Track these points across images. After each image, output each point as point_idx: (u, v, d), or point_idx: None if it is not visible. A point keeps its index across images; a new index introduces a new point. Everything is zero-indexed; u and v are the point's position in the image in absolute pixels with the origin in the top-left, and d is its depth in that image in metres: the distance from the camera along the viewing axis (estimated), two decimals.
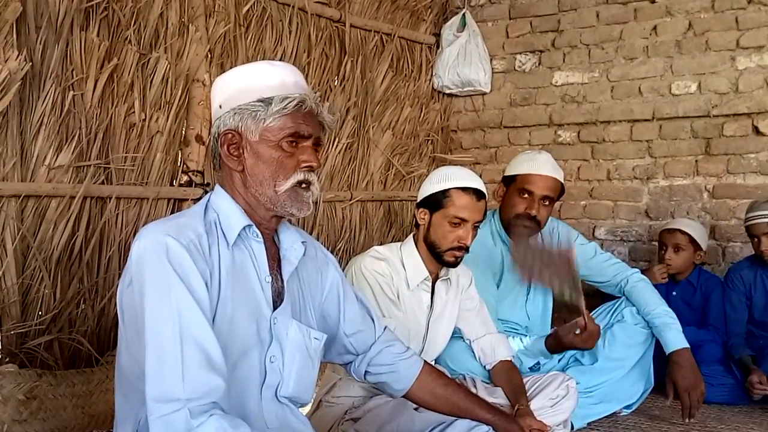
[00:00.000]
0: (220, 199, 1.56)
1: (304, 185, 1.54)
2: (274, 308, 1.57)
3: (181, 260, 1.38)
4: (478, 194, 2.34)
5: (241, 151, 1.53)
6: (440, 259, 2.38)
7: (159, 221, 1.51)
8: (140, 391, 1.34)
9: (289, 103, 1.50)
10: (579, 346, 2.62)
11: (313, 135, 1.55)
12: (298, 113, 1.51)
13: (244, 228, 1.53)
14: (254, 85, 1.52)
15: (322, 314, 1.75)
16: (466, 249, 2.36)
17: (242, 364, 1.50)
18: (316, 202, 3.31)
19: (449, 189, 2.35)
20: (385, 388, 1.87)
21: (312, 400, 1.72)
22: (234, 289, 1.49)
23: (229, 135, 1.53)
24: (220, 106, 1.55)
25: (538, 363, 2.80)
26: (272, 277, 1.58)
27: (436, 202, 2.37)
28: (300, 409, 1.67)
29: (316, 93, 1.61)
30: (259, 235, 1.56)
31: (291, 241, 1.65)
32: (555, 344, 2.69)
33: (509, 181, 2.94)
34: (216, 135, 1.56)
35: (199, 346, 1.33)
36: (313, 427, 1.63)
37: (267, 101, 1.50)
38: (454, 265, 2.40)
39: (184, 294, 1.36)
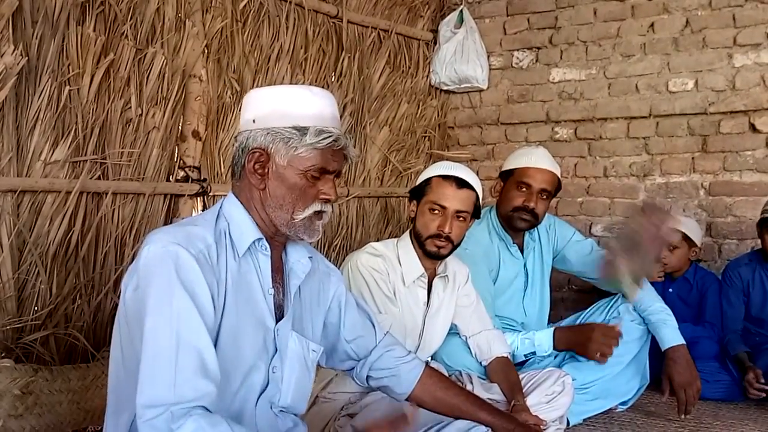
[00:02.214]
0: (233, 208, 1.57)
1: (319, 215, 1.57)
2: (276, 320, 1.58)
3: (189, 269, 1.39)
4: (459, 182, 2.34)
5: (266, 170, 1.54)
6: (424, 249, 2.38)
7: (169, 227, 1.52)
8: None
9: (324, 139, 1.51)
10: (593, 347, 2.71)
11: (337, 170, 1.57)
12: (329, 149, 1.53)
13: (254, 241, 1.55)
14: (291, 111, 1.52)
15: (323, 323, 1.77)
16: (449, 239, 2.35)
17: (249, 373, 1.51)
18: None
19: (431, 177, 2.39)
20: (387, 391, 1.88)
21: (305, 410, 1.73)
22: (238, 299, 1.50)
23: (257, 153, 1.53)
24: (254, 121, 1.55)
25: (534, 353, 2.81)
26: (274, 290, 1.59)
27: (420, 191, 2.41)
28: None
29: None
30: (268, 248, 1.57)
31: (298, 255, 1.66)
32: (564, 338, 2.76)
33: (507, 175, 2.95)
34: (242, 147, 1.56)
35: (195, 352, 1.34)
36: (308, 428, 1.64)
37: (302, 131, 1.51)
38: (437, 255, 2.39)
39: (187, 301, 1.37)
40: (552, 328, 2.84)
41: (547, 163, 2.89)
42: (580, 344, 2.76)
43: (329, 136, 1.51)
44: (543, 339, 2.81)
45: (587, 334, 2.74)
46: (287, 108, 1.52)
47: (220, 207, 1.59)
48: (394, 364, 1.83)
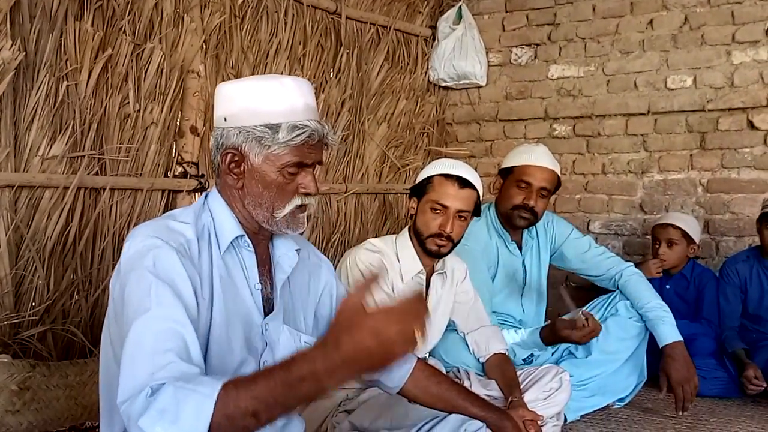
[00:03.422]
0: (216, 204, 1.55)
1: (302, 208, 1.54)
2: (265, 314, 1.56)
3: (168, 261, 1.37)
4: (461, 182, 2.33)
5: (242, 169, 1.51)
6: (424, 247, 2.37)
7: (150, 222, 1.50)
8: None
9: (298, 135, 1.46)
10: (575, 340, 2.67)
11: (315, 161, 1.54)
12: (304, 144, 1.49)
13: (236, 237, 1.53)
14: (261, 108, 1.47)
15: (314, 316, 1.75)
16: (450, 239, 2.35)
17: (238, 370, 1.49)
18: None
19: (433, 176, 2.37)
20: (378, 385, 1.87)
21: None
22: (225, 296, 1.48)
23: (231, 153, 1.50)
24: (225, 119, 1.52)
25: (532, 355, 2.81)
26: (261, 284, 1.57)
27: (421, 189, 2.39)
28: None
29: (315, 85, 1.57)
30: (250, 244, 1.55)
31: (285, 248, 1.64)
32: (550, 335, 2.72)
33: (506, 173, 2.94)
34: (217, 146, 1.53)
35: (178, 338, 1.29)
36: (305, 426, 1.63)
37: (274, 128, 1.46)
38: (437, 254, 2.39)
39: (166, 291, 1.34)
40: (537, 330, 2.82)
41: (547, 161, 2.89)
42: (563, 340, 2.75)
43: (303, 132, 1.47)
44: (535, 340, 2.80)
45: (563, 336, 2.72)
46: (257, 105, 1.48)
47: (205, 200, 1.57)
48: None
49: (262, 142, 1.47)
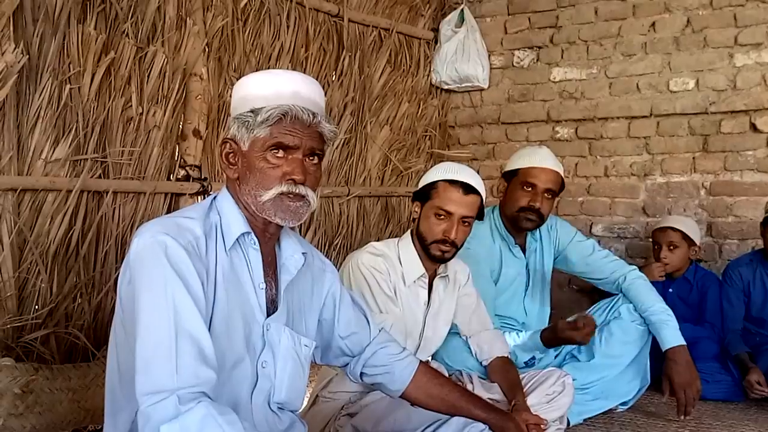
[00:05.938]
0: (224, 201, 1.57)
1: (290, 196, 1.52)
2: (268, 315, 1.57)
3: (179, 258, 1.39)
4: (466, 188, 2.32)
5: (236, 159, 1.55)
6: (428, 251, 2.37)
7: (158, 219, 1.51)
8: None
9: (271, 113, 1.48)
10: (576, 339, 2.67)
11: (302, 146, 1.52)
12: (281, 124, 1.49)
13: (242, 234, 1.54)
14: (250, 95, 1.53)
15: (318, 319, 1.76)
16: (454, 244, 2.34)
17: (235, 367, 1.51)
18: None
19: (437, 181, 2.35)
20: (381, 388, 1.87)
21: (302, 407, 1.72)
22: (229, 293, 1.50)
23: (228, 144, 1.55)
24: (230, 114, 1.58)
25: (534, 358, 2.81)
26: (266, 284, 1.58)
27: (425, 194, 2.38)
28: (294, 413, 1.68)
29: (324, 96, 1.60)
30: (257, 242, 1.56)
31: (291, 250, 1.65)
32: (551, 337, 2.71)
33: (511, 175, 2.94)
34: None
35: (193, 340, 1.34)
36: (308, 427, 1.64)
37: (256, 111, 1.50)
38: (441, 259, 2.38)
39: (180, 289, 1.37)
40: (538, 332, 2.81)
41: (551, 162, 2.89)
42: (565, 341, 2.74)
43: (275, 110, 1.48)
44: (536, 343, 2.79)
45: (566, 337, 2.71)
46: (247, 93, 1.54)
47: (213, 200, 1.59)
48: (388, 361, 1.82)
49: (248, 126, 1.51)
